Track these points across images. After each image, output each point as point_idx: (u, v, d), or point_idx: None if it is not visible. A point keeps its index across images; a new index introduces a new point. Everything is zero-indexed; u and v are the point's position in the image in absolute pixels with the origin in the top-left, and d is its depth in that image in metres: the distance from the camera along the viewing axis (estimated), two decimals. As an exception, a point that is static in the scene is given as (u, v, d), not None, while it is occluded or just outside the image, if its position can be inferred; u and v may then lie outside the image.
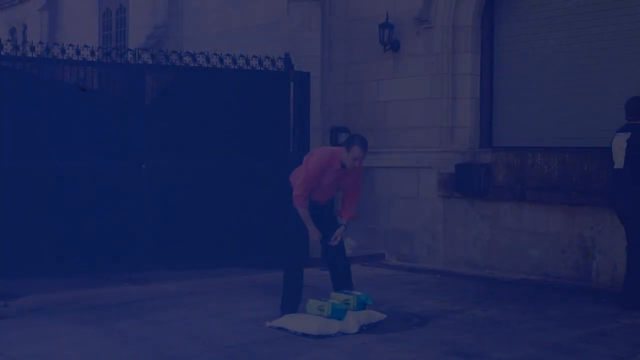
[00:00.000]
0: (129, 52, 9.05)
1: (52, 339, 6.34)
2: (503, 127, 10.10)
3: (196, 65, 9.22)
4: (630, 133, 7.20)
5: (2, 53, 8.26)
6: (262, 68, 9.55)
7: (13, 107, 8.21)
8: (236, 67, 9.41)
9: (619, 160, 7.26)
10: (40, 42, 8.69)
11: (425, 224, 10.40)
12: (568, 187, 8.81)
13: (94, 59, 8.67)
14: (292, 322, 6.53)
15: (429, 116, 10.32)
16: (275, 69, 9.64)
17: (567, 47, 9.32)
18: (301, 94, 9.84)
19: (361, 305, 6.58)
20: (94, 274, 9.12)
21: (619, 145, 7.25)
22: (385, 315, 6.84)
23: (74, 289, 8.68)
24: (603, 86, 8.97)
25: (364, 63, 11.19)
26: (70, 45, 8.67)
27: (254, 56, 9.58)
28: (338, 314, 6.47)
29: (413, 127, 10.55)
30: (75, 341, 6.25)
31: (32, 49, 8.34)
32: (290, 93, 9.73)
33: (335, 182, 6.91)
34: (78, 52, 8.57)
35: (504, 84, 10.08)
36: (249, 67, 9.49)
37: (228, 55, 9.44)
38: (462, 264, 10.00)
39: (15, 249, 8.21)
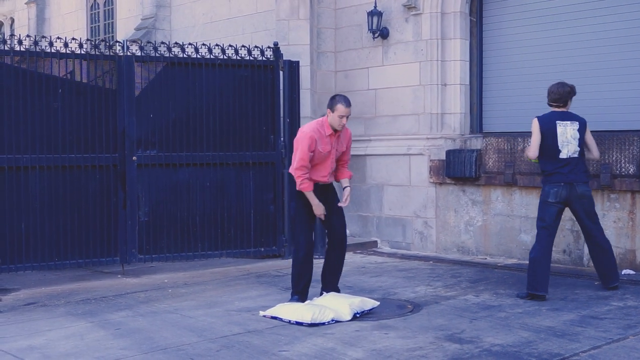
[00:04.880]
0: (117, 43, 9.01)
1: (45, 332, 6.34)
2: (493, 112, 10.11)
3: (185, 56, 9.20)
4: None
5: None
6: (251, 58, 9.53)
7: (2, 100, 8.18)
8: (225, 57, 9.39)
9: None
10: (28, 35, 8.64)
11: (417, 210, 10.43)
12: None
13: (82, 52, 8.64)
14: (286, 310, 6.55)
15: (419, 103, 10.34)
16: (264, 58, 9.62)
17: (554, 32, 9.33)
18: (291, 83, 9.83)
19: None
20: (86, 267, 9.13)
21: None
22: (379, 302, 6.87)
23: (66, 283, 8.71)
24: (591, 71, 8.99)
25: (353, 51, 11.18)
26: (58, 38, 8.64)
27: (243, 46, 9.56)
28: None
29: (403, 114, 10.56)
30: (69, 334, 6.26)
31: (20, 42, 8.31)
32: (280, 82, 9.72)
33: (332, 151, 6.98)
34: (66, 45, 8.53)
35: (494, 70, 10.08)
36: (238, 57, 9.47)
37: (217, 45, 9.42)
38: (454, 250, 10.04)
39: (5, 244, 8.18)
